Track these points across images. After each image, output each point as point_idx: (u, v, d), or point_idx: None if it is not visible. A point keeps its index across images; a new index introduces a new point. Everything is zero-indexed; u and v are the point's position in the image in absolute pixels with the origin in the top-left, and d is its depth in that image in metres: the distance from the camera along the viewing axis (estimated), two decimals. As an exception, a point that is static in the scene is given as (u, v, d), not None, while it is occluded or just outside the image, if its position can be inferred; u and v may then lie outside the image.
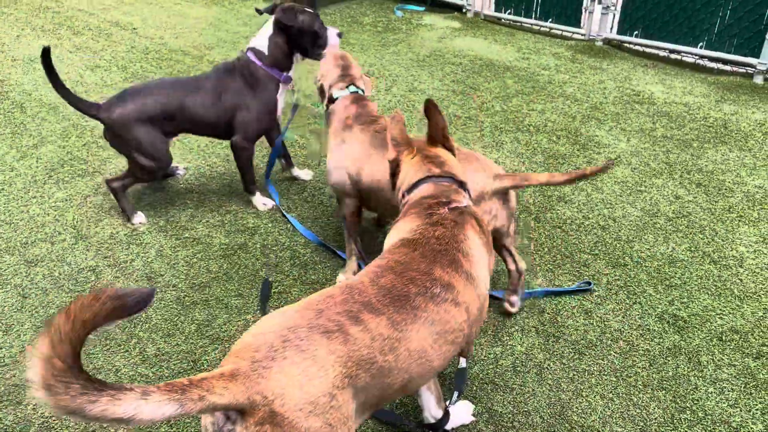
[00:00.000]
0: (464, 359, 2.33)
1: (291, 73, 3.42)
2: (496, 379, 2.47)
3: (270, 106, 3.37)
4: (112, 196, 3.63)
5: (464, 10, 7.14)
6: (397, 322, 1.56)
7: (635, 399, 2.38)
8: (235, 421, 1.38)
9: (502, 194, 2.55)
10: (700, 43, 5.56)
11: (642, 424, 2.28)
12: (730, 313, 2.81)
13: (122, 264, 3.16)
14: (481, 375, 2.49)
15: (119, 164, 4.02)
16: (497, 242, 2.64)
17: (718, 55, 5.50)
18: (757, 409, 2.34)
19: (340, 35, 3.45)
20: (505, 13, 6.82)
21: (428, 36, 6.46)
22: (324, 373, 1.43)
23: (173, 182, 3.85)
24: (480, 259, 1.83)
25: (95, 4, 7.40)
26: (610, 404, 2.36)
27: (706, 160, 4.08)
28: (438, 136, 2.11)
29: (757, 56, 5.25)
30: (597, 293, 2.93)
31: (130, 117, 3.16)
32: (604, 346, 2.64)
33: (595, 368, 2.52)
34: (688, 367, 2.53)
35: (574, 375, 2.49)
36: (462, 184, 2.02)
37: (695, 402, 2.37)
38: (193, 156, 4.15)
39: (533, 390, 2.43)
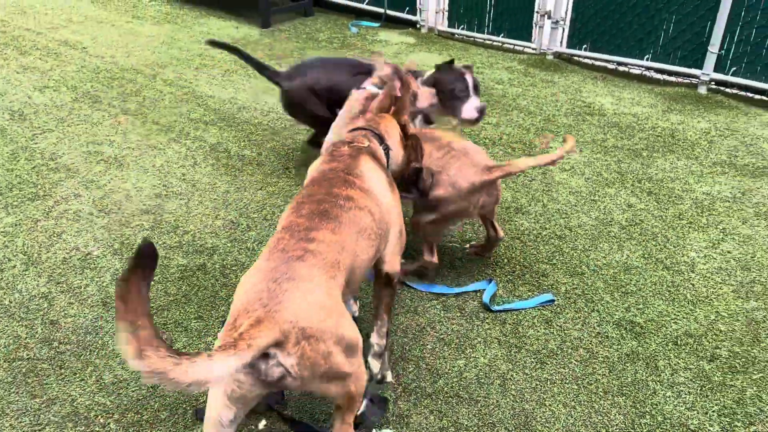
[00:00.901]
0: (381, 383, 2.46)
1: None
2: (460, 392, 2.48)
3: None
4: (64, 220, 3.54)
5: (418, 26, 7.22)
6: (333, 229, 1.94)
7: (596, 406, 2.43)
8: (275, 356, 1.64)
9: (490, 185, 2.85)
10: (647, 56, 5.75)
11: (604, 430, 2.32)
12: (684, 317, 2.90)
13: (76, 289, 3.07)
14: (445, 389, 2.50)
15: (70, 187, 3.91)
16: (482, 218, 3.13)
17: (664, 67, 5.70)
18: (713, 411, 2.41)
19: (481, 111, 3.38)
20: (458, 28, 6.93)
21: (384, 52, 6.51)
22: (316, 281, 1.77)
23: (127, 203, 3.76)
24: (374, 178, 2.25)
25: (43, 24, 7.23)
26: (572, 412, 2.40)
27: (655, 169, 4.21)
28: (391, 109, 2.59)
29: (700, 67, 5.45)
30: (556, 302, 2.98)
31: (305, 87, 3.68)
32: (564, 355, 2.68)
33: (557, 377, 2.56)
34: (646, 372, 2.59)
35: (537, 385, 2.52)
36: (380, 137, 2.44)
37: (654, 406, 2.43)
38: (148, 176, 4.07)
39: (497, 401, 2.44)
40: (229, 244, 3.41)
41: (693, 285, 3.12)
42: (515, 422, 2.36)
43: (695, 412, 2.40)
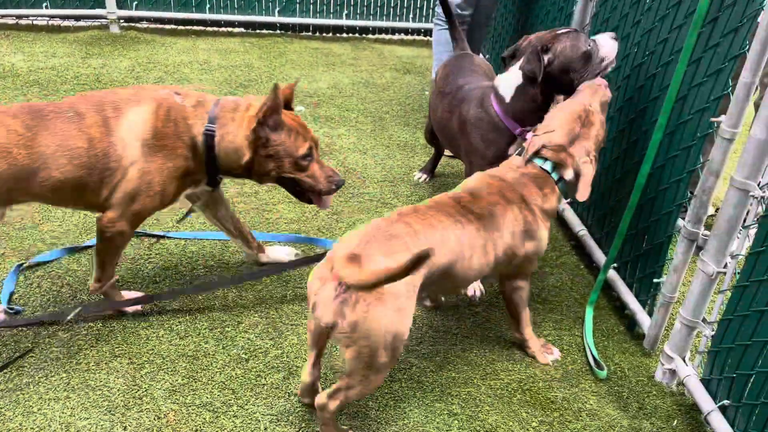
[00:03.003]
0: None
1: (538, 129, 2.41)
2: None
3: (492, 156, 2.67)
4: None
5: None
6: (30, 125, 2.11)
7: (92, 382, 2.20)
8: None
9: None
10: (45, 4, 5.28)
11: (105, 403, 2.13)
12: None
13: None
14: None
15: None
16: None
17: (68, 12, 5.36)
18: (205, 322, 2.47)
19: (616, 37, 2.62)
20: None
21: None
22: None
23: None
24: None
25: None
26: (67, 402, 2.12)
27: (90, 118, 3.99)
28: None
29: (104, 7, 5.31)
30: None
31: None
32: (42, 347, 2.34)
33: (40, 376, 2.22)
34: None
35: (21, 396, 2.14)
36: None
37: (133, 347, 2.35)
38: None
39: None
40: None
41: (158, 220, 3.11)
42: (3, 451, 1.96)
43: (191, 337, 2.43)
